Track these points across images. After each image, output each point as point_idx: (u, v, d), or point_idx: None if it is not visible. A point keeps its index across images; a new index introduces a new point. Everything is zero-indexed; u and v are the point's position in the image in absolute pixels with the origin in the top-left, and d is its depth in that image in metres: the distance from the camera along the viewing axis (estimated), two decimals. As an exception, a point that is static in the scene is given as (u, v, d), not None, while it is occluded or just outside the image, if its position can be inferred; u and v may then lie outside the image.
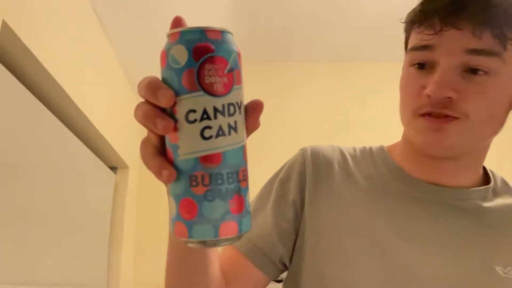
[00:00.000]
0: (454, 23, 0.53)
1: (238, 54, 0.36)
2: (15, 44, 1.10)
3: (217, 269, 0.57)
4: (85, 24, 1.59)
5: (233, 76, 0.35)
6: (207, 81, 0.33)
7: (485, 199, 0.62)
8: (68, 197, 1.49)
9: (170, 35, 0.35)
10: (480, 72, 0.54)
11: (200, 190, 0.34)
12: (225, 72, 0.34)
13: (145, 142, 0.37)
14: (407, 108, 0.60)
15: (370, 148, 0.71)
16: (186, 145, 0.34)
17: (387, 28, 2.20)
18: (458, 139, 0.56)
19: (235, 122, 0.35)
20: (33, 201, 1.25)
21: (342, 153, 0.70)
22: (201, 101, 0.33)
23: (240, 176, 0.35)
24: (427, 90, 0.55)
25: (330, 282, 0.59)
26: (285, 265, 0.66)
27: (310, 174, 0.67)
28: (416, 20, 0.57)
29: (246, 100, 0.37)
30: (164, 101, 0.34)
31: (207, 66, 0.33)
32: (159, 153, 0.36)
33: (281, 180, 0.68)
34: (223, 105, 0.34)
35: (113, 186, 2.07)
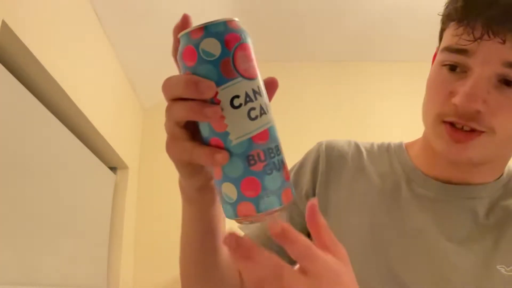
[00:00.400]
0: (497, 33, 0.49)
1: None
2: (15, 44, 1.09)
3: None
4: (85, 24, 1.59)
5: (255, 61, 0.37)
6: (242, 67, 0.36)
7: (495, 196, 0.60)
8: (67, 198, 1.49)
9: (192, 32, 0.36)
10: None
11: (258, 166, 0.36)
12: (252, 56, 0.37)
13: (176, 140, 0.38)
14: (432, 110, 0.57)
15: (389, 145, 0.70)
16: (237, 129, 0.36)
17: (388, 28, 2.21)
18: (480, 153, 0.55)
19: (267, 102, 0.38)
20: (33, 202, 1.25)
21: (358, 148, 0.70)
22: (242, 86, 0.36)
23: (281, 149, 0.38)
24: (455, 99, 0.52)
25: None
26: None
27: (323, 168, 0.68)
28: (455, 18, 0.53)
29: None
30: (209, 93, 0.35)
31: (239, 53, 0.36)
32: (199, 143, 0.38)
33: (295, 173, 0.70)
34: (258, 87, 0.37)
35: (113, 187, 2.07)
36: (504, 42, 0.49)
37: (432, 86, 0.57)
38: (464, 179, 0.60)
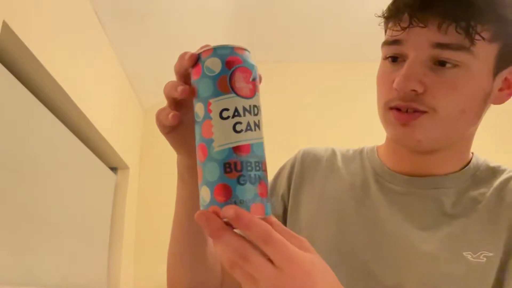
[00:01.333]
0: (421, 19, 0.54)
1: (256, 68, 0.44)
2: (16, 45, 1.10)
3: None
4: (85, 24, 1.59)
5: (256, 84, 0.42)
6: (237, 85, 0.40)
7: (462, 186, 0.62)
8: (68, 198, 1.49)
9: (203, 52, 0.42)
10: (449, 65, 0.55)
11: (233, 175, 0.39)
12: (250, 80, 0.42)
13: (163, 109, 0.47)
14: (380, 101, 0.61)
15: (363, 148, 0.74)
16: (221, 137, 0.40)
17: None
18: (427, 134, 0.57)
19: (259, 121, 0.42)
20: (33, 202, 1.25)
21: (333, 153, 0.74)
22: (233, 101, 0.40)
23: (263, 166, 0.41)
24: (394, 83, 0.56)
25: None
26: None
27: (297, 170, 0.73)
28: (387, 16, 0.59)
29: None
30: (188, 59, 0.42)
31: (237, 73, 0.41)
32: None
33: (275, 178, 0.75)
34: (250, 106, 0.41)
35: (113, 187, 2.07)
36: (426, 26, 0.54)
37: (379, 79, 0.63)
38: (428, 170, 0.63)
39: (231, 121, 0.40)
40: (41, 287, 1.25)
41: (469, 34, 0.53)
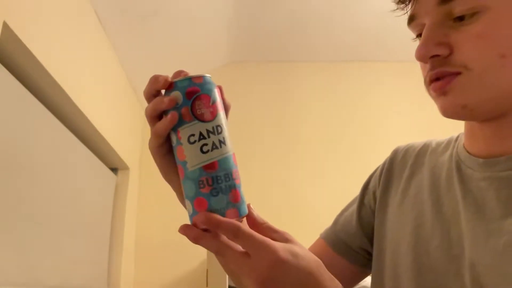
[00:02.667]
0: None
1: (218, 88, 0.50)
2: (16, 46, 1.10)
3: None
4: (86, 25, 1.60)
5: (216, 106, 0.48)
6: (199, 112, 0.47)
7: None
8: (68, 198, 1.49)
9: (167, 87, 0.48)
10: (467, 17, 0.49)
11: (207, 189, 0.46)
12: (210, 104, 0.48)
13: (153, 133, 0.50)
14: (424, 81, 0.56)
15: (459, 135, 0.65)
16: (192, 159, 0.46)
17: (388, 29, 2.20)
18: (470, 96, 0.50)
19: (223, 138, 0.48)
20: (34, 202, 1.25)
21: (425, 147, 0.68)
22: (197, 127, 0.47)
23: (233, 175, 0.47)
24: (415, 55, 0.52)
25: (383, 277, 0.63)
26: (370, 253, 0.69)
27: (386, 170, 0.71)
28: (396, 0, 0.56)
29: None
30: (161, 82, 0.48)
31: (197, 102, 0.47)
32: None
33: (370, 175, 0.74)
34: (213, 127, 0.47)
35: (113, 188, 2.07)
36: None
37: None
38: (506, 147, 0.53)
39: (198, 144, 0.46)
40: (42, 288, 1.25)
41: None
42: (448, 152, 0.63)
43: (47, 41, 1.24)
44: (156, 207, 2.26)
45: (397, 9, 0.57)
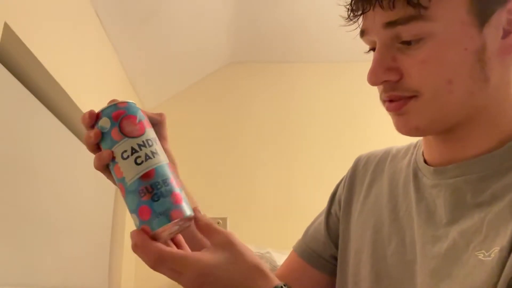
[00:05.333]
0: (369, 2, 0.50)
1: (141, 111, 0.54)
2: (17, 46, 1.10)
3: None
4: (87, 26, 1.60)
5: (143, 123, 0.52)
6: (127, 130, 0.50)
7: (488, 170, 0.51)
8: (69, 199, 1.49)
9: (96, 118, 0.53)
10: (413, 42, 0.49)
11: (148, 197, 0.48)
12: (137, 122, 0.51)
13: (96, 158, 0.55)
14: (380, 98, 0.57)
15: (418, 141, 0.67)
16: (129, 173, 0.49)
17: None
18: (422, 118, 0.52)
19: (156, 149, 0.51)
20: (34, 203, 1.25)
21: (386, 154, 0.70)
22: (128, 143, 0.50)
23: (172, 182, 0.50)
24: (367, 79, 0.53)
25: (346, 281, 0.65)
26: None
27: (348, 179, 0.72)
28: (349, 10, 0.56)
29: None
30: (87, 117, 0.54)
31: (124, 122, 0.51)
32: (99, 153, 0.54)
33: (337, 184, 0.76)
34: (143, 141, 0.50)
35: (114, 188, 2.07)
36: (372, 8, 0.50)
37: None
38: (455, 155, 0.55)
39: (132, 158, 0.49)
40: (42, 288, 1.25)
41: (416, 1, 0.47)
42: (407, 158, 0.65)
43: (48, 41, 1.24)
44: (157, 208, 2.25)
45: (348, 23, 0.56)
